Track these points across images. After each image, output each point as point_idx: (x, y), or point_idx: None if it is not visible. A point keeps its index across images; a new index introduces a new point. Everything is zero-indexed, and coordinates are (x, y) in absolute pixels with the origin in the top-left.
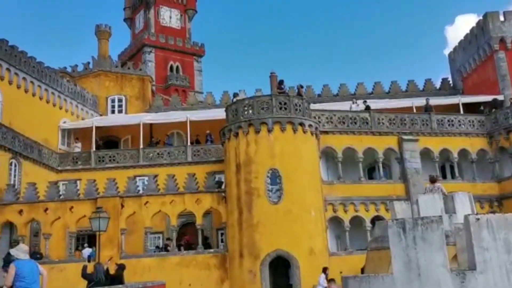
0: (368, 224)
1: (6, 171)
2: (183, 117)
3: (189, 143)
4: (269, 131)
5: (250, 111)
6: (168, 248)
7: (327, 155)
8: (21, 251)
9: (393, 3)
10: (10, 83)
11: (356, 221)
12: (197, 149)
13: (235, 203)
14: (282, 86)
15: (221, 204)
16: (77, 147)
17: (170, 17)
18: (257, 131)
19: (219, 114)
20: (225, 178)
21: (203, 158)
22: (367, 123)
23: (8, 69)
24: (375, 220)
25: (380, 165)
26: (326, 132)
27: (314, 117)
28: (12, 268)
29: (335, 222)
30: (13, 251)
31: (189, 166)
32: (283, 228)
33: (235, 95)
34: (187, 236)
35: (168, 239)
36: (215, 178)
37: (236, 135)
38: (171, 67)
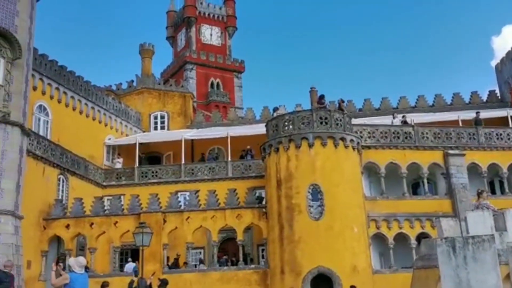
0: (413, 241)
1: (54, 186)
2: (224, 133)
3: (229, 159)
4: (310, 146)
5: (291, 126)
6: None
7: (370, 170)
8: (78, 264)
9: (437, 15)
10: (59, 101)
11: (401, 238)
12: (237, 165)
13: (276, 219)
14: (323, 101)
15: (262, 220)
16: (119, 163)
17: (211, 34)
18: (298, 146)
19: (260, 129)
20: (266, 194)
21: (243, 173)
22: (410, 137)
23: (57, 88)
24: (420, 237)
25: (425, 180)
26: (368, 147)
27: (356, 132)
28: (65, 278)
29: (379, 239)
30: (71, 262)
31: (230, 182)
32: (325, 245)
33: (275, 109)
34: (220, 253)
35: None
36: (256, 194)
37: (277, 150)
38: (212, 84)
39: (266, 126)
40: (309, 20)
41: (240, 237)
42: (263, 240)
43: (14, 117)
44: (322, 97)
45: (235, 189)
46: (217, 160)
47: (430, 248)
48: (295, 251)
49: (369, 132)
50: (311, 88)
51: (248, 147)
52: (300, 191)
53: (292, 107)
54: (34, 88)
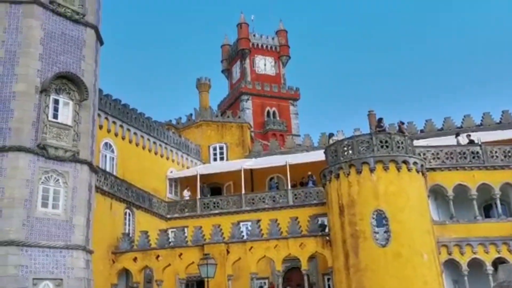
0: (489, 267)
1: (121, 220)
2: (283, 161)
3: (289, 187)
4: (371, 171)
5: (350, 151)
6: None
7: (436, 193)
8: None
9: (497, 25)
10: (123, 138)
11: (475, 264)
12: (298, 192)
13: (340, 247)
14: (382, 124)
15: (326, 248)
16: (188, 195)
17: (264, 65)
18: (359, 172)
19: (318, 156)
20: (329, 221)
21: (304, 201)
22: (478, 157)
23: (121, 126)
24: (497, 262)
25: (498, 201)
26: (433, 169)
27: (419, 154)
28: None
29: (451, 265)
30: None
31: (291, 210)
32: (393, 273)
33: (331, 136)
34: (285, 284)
35: (271, 283)
36: (318, 221)
37: (337, 176)
38: (268, 113)
39: (325, 152)
40: (362, 41)
41: (304, 266)
42: (328, 269)
43: (83, 155)
44: (380, 120)
45: (296, 217)
46: (277, 189)
47: (509, 274)
48: (363, 280)
49: (433, 154)
50: (369, 111)
51: (309, 173)
52: (364, 218)
53: (350, 132)
54: (100, 127)
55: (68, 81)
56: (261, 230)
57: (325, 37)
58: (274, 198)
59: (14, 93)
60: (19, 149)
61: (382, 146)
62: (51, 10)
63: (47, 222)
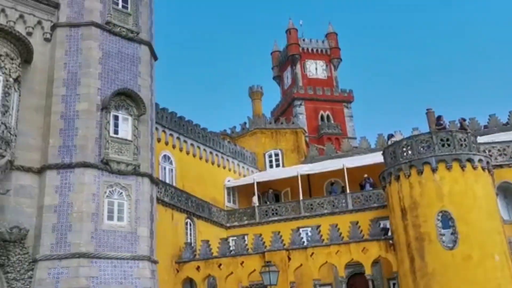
0: None
1: (183, 230)
2: (339, 165)
3: (348, 191)
4: (433, 171)
5: (410, 152)
6: None
7: (505, 191)
8: None
9: None
10: (181, 150)
11: None
12: (357, 196)
13: (405, 250)
14: (441, 122)
15: (390, 252)
16: (256, 202)
17: (316, 69)
18: (420, 172)
19: (376, 158)
20: (391, 224)
21: (364, 204)
22: None
23: (178, 138)
24: None
25: None
26: (500, 166)
27: (484, 151)
28: None
29: None
30: None
31: (351, 214)
32: (463, 276)
33: (390, 136)
34: None
35: None
36: (380, 225)
37: (397, 178)
38: (322, 117)
39: (383, 154)
40: (415, 38)
41: (368, 271)
42: (393, 273)
43: (143, 168)
44: (440, 117)
45: (357, 222)
46: (341, 193)
47: None
48: (431, 284)
49: (499, 150)
50: (427, 109)
51: (366, 175)
52: (428, 219)
53: (408, 132)
54: (158, 140)
55: (126, 97)
56: (321, 235)
57: (377, 36)
58: (333, 203)
59: (78, 112)
60: (85, 165)
61: (443, 145)
62: (108, 30)
63: (114, 234)
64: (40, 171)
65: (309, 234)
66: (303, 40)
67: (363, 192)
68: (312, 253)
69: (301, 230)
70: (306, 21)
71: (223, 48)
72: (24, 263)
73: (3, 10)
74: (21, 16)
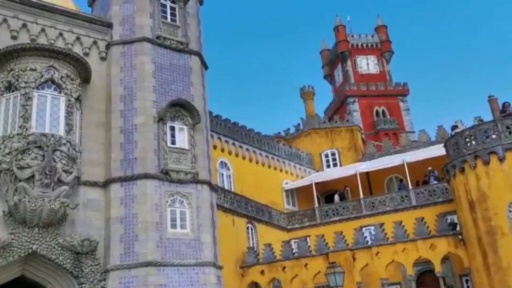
0: None
1: (245, 235)
2: (399, 160)
3: (410, 186)
4: (501, 160)
5: (473, 142)
6: None
7: None
8: None
9: None
10: (237, 155)
11: None
12: (420, 191)
13: (476, 245)
14: (507, 109)
15: (460, 248)
16: (338, 199)
17: (367, 64)
18: (487, 163)
19: (437, 151)
20: (458, 219)
21: (428, 200)
22: None
23: (233, 144)
24: None
25: None
26: None
27: None
28: None
29: None
30: None
31: (415, 210)
32: None
33: (453, 128)
34: None
35: None
36: (447, 220)
37: (462, 170)
38: (377, 112)
39: (444, 146)
40: (467, 24)
41: (438, 268)
42: (465, 270)
43: (202, 176)
44: (505, 105)
45: (422, 218)
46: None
47: None
48: (507, 279)
49: None
50: (489, 97)
51: (430, 168)
52: (499, 212)
53: (470, 121)
54: (214, 147)
55: (180, 108)
56: (385, 234)
57: (428, 24)
58: (395, 199)
59: (136, 125)
60: (146, 176)
61: (510, 133)
62: (158, 44)
63: (178, 242)
64: (104, 184)
65: (373, 233)
66: (352, 36)
67: (426, 187)
68: (378, 252)
69: (363, 229)
70: (353, 17)
71: (271, 52)
72: (97, 273)
73: (61, 34)
74: (77, 38)
